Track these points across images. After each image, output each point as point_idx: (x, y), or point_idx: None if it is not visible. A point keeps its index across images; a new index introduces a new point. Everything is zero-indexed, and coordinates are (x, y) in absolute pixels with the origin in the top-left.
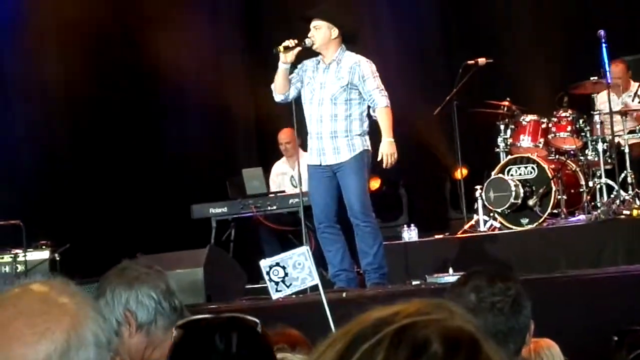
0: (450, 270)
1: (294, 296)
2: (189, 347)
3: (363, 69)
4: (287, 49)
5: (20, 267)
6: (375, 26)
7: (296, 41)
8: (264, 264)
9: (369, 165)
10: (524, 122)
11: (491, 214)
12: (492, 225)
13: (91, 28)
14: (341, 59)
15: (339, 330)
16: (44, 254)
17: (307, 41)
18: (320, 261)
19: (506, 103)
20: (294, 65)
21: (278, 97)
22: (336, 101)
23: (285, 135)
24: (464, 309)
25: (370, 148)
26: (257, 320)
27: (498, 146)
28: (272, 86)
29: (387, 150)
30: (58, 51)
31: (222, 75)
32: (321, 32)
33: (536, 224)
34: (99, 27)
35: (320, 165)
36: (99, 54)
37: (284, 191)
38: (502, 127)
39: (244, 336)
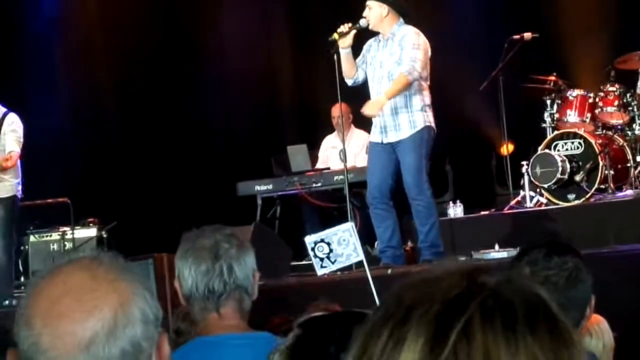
0: (497, 247)
1: (339, 272)
2: (309, 344)
3: (407, 40)
4: (342, 34)
5: (68, 245)
6: (420, 2)
7: (350, 25)
8: (309, 240)
9: (431, 140)
10: (570, 97)
11: (538, 190)
12: (538, 201)
13: (133, 7)
14: (395, 34)
15: (404, 311)
16: (92, 232)
17: (362, 22)
18: (365, 238)
19: (552, 78)
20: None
21: (349, 82)
22: (393, 77)
23: (338, 109)
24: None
25: (433, 124)
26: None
27: (544, 121)
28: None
29: (374, 105)
30: (102, 32)
31: (267, 52)
32: (373, 11)
33: (583, 199)
34: (142, 6)
35: (382, 142)
36: (143, 33)
37: (328, 168)
38: (548, 102)
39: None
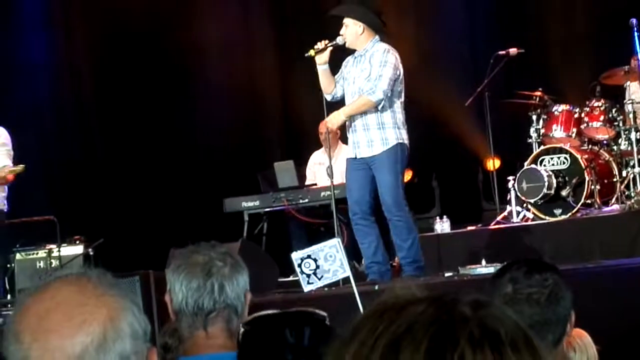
0: (483, 262)
1: (325, 289)
2: (259, 342)
3: (375, 57)
4: (318, 51)
5: (54, 262)
6: (403, 17)
7: (327, 42)
8: (296, 256)
9: (405, 158)
10: (556, 112)
11: (524, 205)
12: (525, 216)
13: (119, 22)
14: (368, 49)
15: (389, 347)
16: (78, 249)
17: (339, 39)
18: (353, 254)
19: (538, 93)
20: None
21: (327, 97)
22: (363, 93)
23: (324, 126)
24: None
25: (406, 141)
26: (325, 314)
27: (530, 137)
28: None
29: (333, 119)
30: (87, 46)
31: (253, 69)
32: (349, 29)
33: (569, 214)
34: (128, 21)
35: (356, 158)
36: (128, 49)
37: (315, 184)
38: (534, 117)
39: (314, 330)
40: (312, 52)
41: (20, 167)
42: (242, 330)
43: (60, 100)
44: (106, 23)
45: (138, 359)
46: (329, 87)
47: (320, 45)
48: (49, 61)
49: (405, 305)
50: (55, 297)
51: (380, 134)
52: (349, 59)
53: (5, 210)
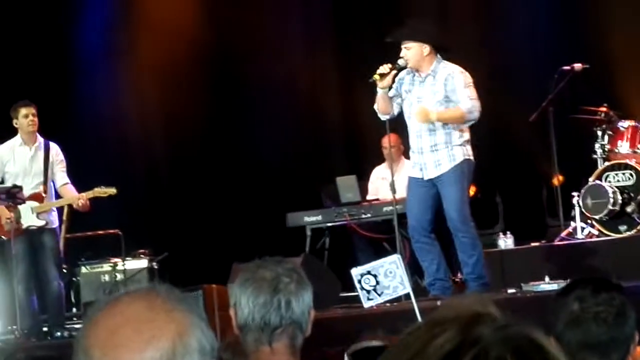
0: (547, 279)
1: (387, 304)
2: None
3: (456, 81)
4: (382, 75)
5: (119, 276)
6: (466, 33)
7: (390, 65)
8: (355, 272)
9: (471, 174)
10: (621, 128)
11: (589, 221)
12: (589, 232)
13: (182, 39)
14: (437, 71)
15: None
16: (143, 263)
17: (401, 62)
18: (415, 269)
19: (603, 109)
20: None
21: (383, 117)
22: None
23: (389, 140)
24: (565, 317)
25: (472, 157)
26: None
27: (595, 152)
28: (375, 107)
29: (421, 115)
30: (150, 64)
31: (315, 84)
32: (413, 51)
33: (635, 230)
34: (189, 38)
35: (422, 178)
36: (191, 66)
37: (378, 199)
38: (599, 133)
39: None
40: (376, 77)
41: (112, 190)
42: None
43: (123, 113)
44: (170, 41)
45: None
46: (386, 109)
47: (384, 69)
48: (113, 78)
49: (435, 325)
50: (124, 312)
51: (447, 152)
52: (404, 76)
53: (57, 228)
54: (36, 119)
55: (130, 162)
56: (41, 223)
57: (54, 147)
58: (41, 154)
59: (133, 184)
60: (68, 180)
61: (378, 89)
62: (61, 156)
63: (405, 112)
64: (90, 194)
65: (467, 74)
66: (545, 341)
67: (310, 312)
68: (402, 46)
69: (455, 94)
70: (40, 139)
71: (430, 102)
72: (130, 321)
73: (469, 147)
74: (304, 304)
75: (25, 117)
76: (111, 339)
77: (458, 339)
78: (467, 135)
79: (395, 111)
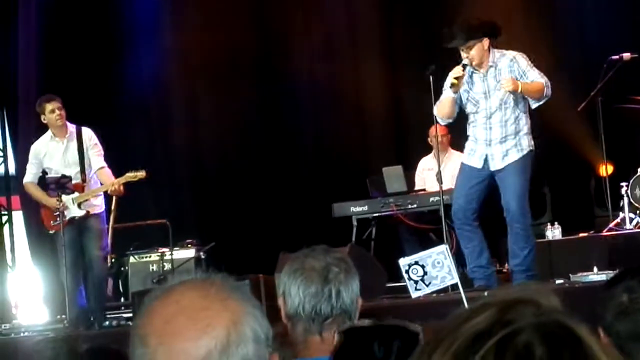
0: (595, 269)
1: (434, 295)
2: (348, 354)
3: (521, 64)
4: (458, 79)
5: (167, 266)
6: (513, 22)
7: (462, 69)
8: (403, 262)
9: (533, 166)
10: None
11: (637, 212)
12: (638, 222)
13: (225, 29)
14: (497, 62)
15: (433, 345)
16: (190, 253)
17: (466, 62)
18: (461, 260)
19: None
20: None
21: (444, 122)
22: (506, 105)
23: (437, 130)
24: (613, 307)
25: (534, 148)
26: (420, 328)
27: None
28: (436, 110)
29: (509, 84)
30: (198, 61)
31: (362, 73)
32: (475, 49)
33: None
34: (231, 27)
35: (481, 168)
36: (238, 58)
37: (424, 189)
38: None
39: (404, 345)
40: (454, 81)
41: (141, 173)
42: (337, 338)
43: (170, 99)
44: (218, 31)
45: None
46: (452, 113)
47: (457, 72)
48: (159, 61)
49: (476, 309)
50: (180, 301)
51: (515, 142)
52: (477, 75)
53: (102, 213)
54: (63, 112)
55: (177, 152)
56: (82, 213)
57: (86, 132)
58: (74, 144)
59: (181, 175)
60: (104, 165)
61: (450, 93)
62: (94, 140)
63: (470, 109)
64: (122, 179)
65: (525, 55)
66: (584, 333)
67: (358, 300)
68: (464, 47)
69: (525, 75)
70: (72, 128)
71: (500, 94)
72: (186, 310)
73: (531, 137)
74: (353, 293)
75: (52, 113)
76: (167, 328)
77: (492, 320)
78: (530, 124)
79: (456, 113)
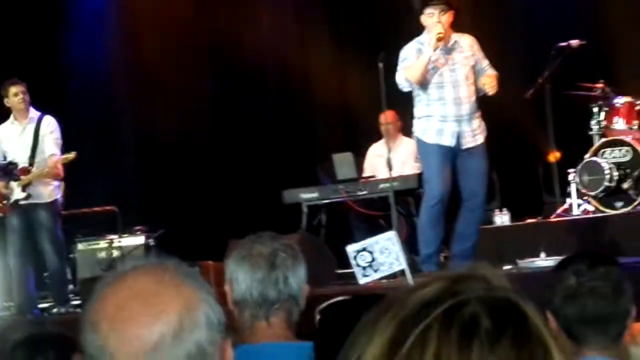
0: (543, 255)
1: (383, 281)
2: (336, 328)
3: (478, 49)
4: (439, 38)
5: (115, 253)
6: (462, 8)
7: (441, 29)
8: (351, 249)
9: None
10: (617, 105)
11: (585, 198)
12: (585, 209)
13: (179, 26)
14: (458, 39)
15: (379, 314)
16: (139, 240)
17: (440, 28)
18: (411, 246)
19: (600, 85)
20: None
21: (411, 88)
22: (469, 82)
23: (387, 117)
24: (563, 289)
25: None
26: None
27: (591, 129)
28: (406, 77)
29: (495, 79)
30: (149, 42)
31: (312, 60)
32: (446, 19)
33: (631, 207)
34: (184, 19)
35: (454, 146)
36: (185, 40)
37: (374, 176)
38: (595, 109)
39: None
40: (441, 36)
41: (72, 154)
42: (318, 317)
43: (118, 86)
44: (168, 24)
45: (213, 349)
46: (423, 78)
47: (440, 29)
48: (106, 50)
49: (432, 277)
50: (132, 287)
51: (480, 122)
52: (418, 47)
53: (60, 199)
54: (27, 97)
55: (126, 139)
56: (22, 195)
57: (46, 120)
58: (31, 128)
59: (129, 161)
60: (56, 152)
61: (426, 56)
62: (52, 127)
63: (435, 81)
64: (58, 161)
65: None
66: (530, 311)
67: (304, 286)
68: (444, 11)
69: (481, 62)
70: (35, 114)
71: (464, 70)
72: (139, 295)
73: None
74: (299, 279)
75: (15, 96)
76: (119, 313)
77: (440, 291)
78: None
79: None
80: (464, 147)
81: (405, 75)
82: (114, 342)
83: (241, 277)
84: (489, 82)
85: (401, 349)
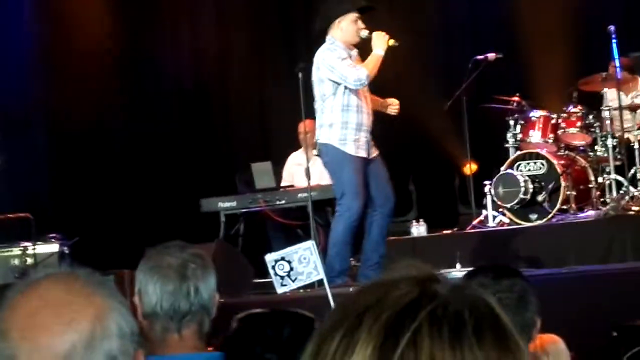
0: (458, 266)
1: (300, 290)
2: (241, 338)
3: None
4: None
5: (29, 260)
6: (380, 19)
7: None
8: (269, 258)
9: None
10: (533, 118)
11: (500, 210)
12: (501, 220)
13: (92, 26)
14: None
15: (342, 320)
16: (53, 247)
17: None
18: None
19: (516, 98)
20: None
21: (365, 83)
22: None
23: (306, 126)
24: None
25: None
26: (312, 316)
27: (507, 141)
28: (367, 74)
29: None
30: (65, 47)
31: (230, 69)
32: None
33: (545, 219)
34: (99, 24)
35: (367, 158)
36: (102, 46)
37: (292, 185)
38: (511, 122)
39: (295, 329)
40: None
41: None
42: (235, 325)
43: (29, 92)
44: (83, 33)
45: (125, 359)
46: None
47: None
48: (21, 52)
49: (391, 283)
50: (43, 295)
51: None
52: (349, 53)
53: None
54: None
55: (40, 145)
56: None
57: None
58: None
59: (43, 167)
60: None
61: (380, 52)
62: None
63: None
64: None
65: None
66: (499, 309)
67: (216, 296)
68: (359, 21)
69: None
70: None
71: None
72: (50, 304)
73: None
74: (210, 288)
75: None
76: (30, 322)
77: (417, 293)
78: None
79: None
80: (372, 156)
81: (367, 73)
82: (24, 351)
83: (151, 289)
84: (396, 106)
85: (392, 355)
